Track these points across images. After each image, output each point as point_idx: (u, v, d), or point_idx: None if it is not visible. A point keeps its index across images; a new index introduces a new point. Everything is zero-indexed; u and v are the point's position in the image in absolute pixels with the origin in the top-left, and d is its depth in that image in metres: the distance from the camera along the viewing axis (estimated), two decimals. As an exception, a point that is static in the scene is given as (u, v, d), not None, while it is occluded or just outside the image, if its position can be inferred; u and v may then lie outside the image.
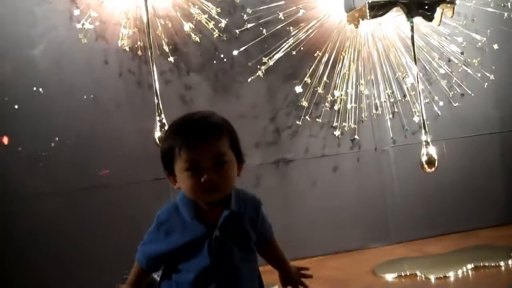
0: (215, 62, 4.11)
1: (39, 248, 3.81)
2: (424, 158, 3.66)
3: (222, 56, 4.10)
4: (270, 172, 4.19)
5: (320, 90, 4.13)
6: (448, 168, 4.23)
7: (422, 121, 3.73)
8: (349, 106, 4.18)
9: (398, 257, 3.88)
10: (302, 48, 4.12)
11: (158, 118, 3.52)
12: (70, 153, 3.89)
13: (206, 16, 3.97)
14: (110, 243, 3.90)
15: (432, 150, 3.67)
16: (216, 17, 3.99)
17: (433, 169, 3.67)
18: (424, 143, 3.68)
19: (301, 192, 4.25)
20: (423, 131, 3.71)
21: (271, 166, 4.19)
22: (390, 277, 3.42)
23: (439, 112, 4.29)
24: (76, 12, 3.82)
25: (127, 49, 3.91)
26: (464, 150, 4.41)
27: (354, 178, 4.32)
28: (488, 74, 4.32)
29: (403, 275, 3.41)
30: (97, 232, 3.89)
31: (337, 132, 4.20)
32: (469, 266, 3.36)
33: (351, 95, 4.18)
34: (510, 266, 3.32)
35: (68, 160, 3.89)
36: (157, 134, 3.54)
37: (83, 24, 3.80)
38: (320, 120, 4.19)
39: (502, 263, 3.34)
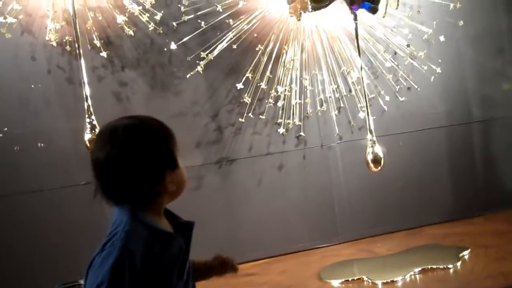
0: (151, 57, 3.88)
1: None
2: (369, 157, 3.52)
3: (158, 50, 3.88)
4: (212, 172, 4.00)
5: (263, 85, 3.95)
6: (395, 163, 4.13)
7: (367, 121, 3.58)
8: (293, 102, 4.01)
9: (345, 258, 3.76)
10: (243, 42, 3.92)
11: (88, 120, 3.28)
12: (-1, 157, 3.63)
13: (140, 8, 3.73)
14: (43, 250, 3.67)
15: (378, 149, 3.54)
16: (151, 9, 3.75)
17: (379, 168, 3.55)
18: (369, 142, 3.54)
19: (245, 192, 4.07)
20: (368, 131, 3.57)
21: (213, 166, 4.00)
22: (336, 282, 3.29)
23: (385, 107, 4.17)
24: (-2, 4, 3.54)
25: (55, 44, 3.63)
26: (411, 145, 4.30)
27: (300, 176, 4.17)
28: (434, 67, 4.21)
29: (350, 280, 3.28)
30: (29, 239, 3.66)
31: (281, 129, 4.03)
32: (417, 269, 3.24)
33: (295, 91, 4.01)
34: (459, 268, 3.22)
35: (-4, 164, 3.63)
36: (87, 136, 3.31)
37: (5, 18, 3.51)
38: (264, 117, 4.01)
39: (450, 266, 3.23)
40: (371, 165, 3.54)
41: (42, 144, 3.70)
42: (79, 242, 3.66)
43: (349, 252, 3.91)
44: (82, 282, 2.90)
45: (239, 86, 3.89)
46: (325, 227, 4.20)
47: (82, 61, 3.36)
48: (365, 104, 3.70)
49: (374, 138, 3.55)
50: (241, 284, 3.56)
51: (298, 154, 4.15)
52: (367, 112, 3.62)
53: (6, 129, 3.64)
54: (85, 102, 3.30)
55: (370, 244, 4.02)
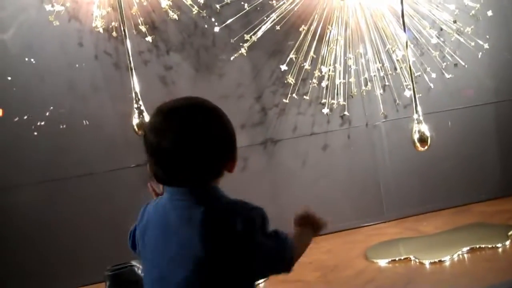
0: (195, 40, 3.92)
1: (20, 240, 3.71)
2: (416, 136, 3.49)
3: (202, 33, 3.91)
4: (257, 153, 4.03)
5: (306, 66, 3.94)
6: (442, 141, 4.05)
7: (413, 99, 3.54)
8: (337, 81, 4.00)
9: (391, 237, 3.75)
10: (286, 23, 3.91)
11: (135, 105, 3.35)
12: (48, 142, 3.75)
13: (184, -9, 3.77)
14: (95, 233, 3.78)
15: (424, 128, 3.49)
16: (195, -8, 3.79)
17: (426, 147, 3.51)
18: (415, 121, 3.50)
19: (290, 172, 4.10)
20: (414, 110, 3.53)
21: (258, 147, 4.03)
22: (383, 262, 3.30)
23: (431, 84, 4.10)
24: (46, -8, 3.62)
25: (101, 30, 3.70)
26: (458, 122, 4.24)
27: (345, 155, 4.17)
28: (481, 43, 4.12)
29: (396, 259, 3.28)
30: (81, 222, 3.77)
31: (325, 110, 4.02)
32: (465, 248, 3.22)
33: (340, 70, 3.99)
34: (508, 247, 3.18)
35: (46, 149, 3.75)
36: (135, 121, 3.38)
37: (53, 6, 3.59)
38: (307, 97, 4.01)
39: (499, 245, 3.20)
40: (418, 144, 3.50)
41: (91, 129, 3.79)
42: (129, 225, 3.76)
43: (395, 231, 3.90)
44: (134, 263, 3.00)
45: (283, 67, 3.90)
46: (371, 206, 4.20)
47: (129, 46, 3.41)
48: (411, 82, 3.65)
49: (421, 117, 3.50)
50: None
51: (343, 133, 4.15)
52: (413, 90, 3.57)
53: (55, 114, 3.74)
54: (133, 89, 3.36)
55: (417, 223, 4.01)
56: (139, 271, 2.97)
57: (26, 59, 3.68)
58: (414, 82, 3.62)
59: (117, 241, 3.73)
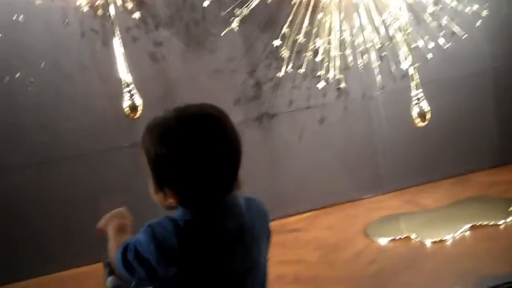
0: (185, 14, 3.78)
1: (13, 222, 3.65)
2: (415, 112, 3.38)
3: (191, 7, 3.76)
4: (253, 128, 3.94)
5: (300, 39, 3.81)
6: (440, 110, 3.95)
7: (412, 74, 3.42)
8: (332, 54, 3.87)
9: (391, 212, 3.70)
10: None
11: (125, 90, 3.24)
12: (36, 123, 3.65)
13: (171, -36, 3.60)
14: (88, 214, 3.69)
15: (424, 103, 3.38)
16: (182, -36, 3.62)
17: (425, 122, 3.42)
18: (414, 98, 3.39)
19: (287, 146, 4.04)
20: (412, 85, 3.41)
21: (254, 122, 3.95)
22: (383, 241, 3.26)
23: (430, 54, 3.97)
24: (27, -31, 3.45)
25: (87, 8, 3.55)
26: (456, 90, 4.15)
27: (342, 128, 4.09)
28: (479, 10, 3.97)
29: (397, 238, 3.24)
30: (74, 203, 3.71)
31: (321, 82, 3.91)
32: (465, 226, 3.17)
33: (335, 42, 3.86)
34: (509, 224, 3.14)
35: (35, 130, 3.66)
36: (126, 103, 3.28)
37: (34, -16, 3.43)
38: (303, 70, 3.90)
39: (501, 222, 3.16)
40: (417, 120, 3.41)
41: (80, 109, 3.70)
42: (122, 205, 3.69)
43: (395, 205, 3.86)
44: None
45: (276, 43, 3.76)
46: (369, 178, 4.15)
47: (118, 29, 3.28)
48: (408, 53, 3.52)
49: (420, 94, 3.39)
50: (288, 242, 3.57)
51: (339, 106, 4.06)
52: (412, 65, 3.44)
53: (43, 95, 3.63)
54: (122, 74, 3.24)
55: (416, 195, 3.96)
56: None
57: (9, 39, 3.54)
58: (412, 55, 3.48)
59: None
